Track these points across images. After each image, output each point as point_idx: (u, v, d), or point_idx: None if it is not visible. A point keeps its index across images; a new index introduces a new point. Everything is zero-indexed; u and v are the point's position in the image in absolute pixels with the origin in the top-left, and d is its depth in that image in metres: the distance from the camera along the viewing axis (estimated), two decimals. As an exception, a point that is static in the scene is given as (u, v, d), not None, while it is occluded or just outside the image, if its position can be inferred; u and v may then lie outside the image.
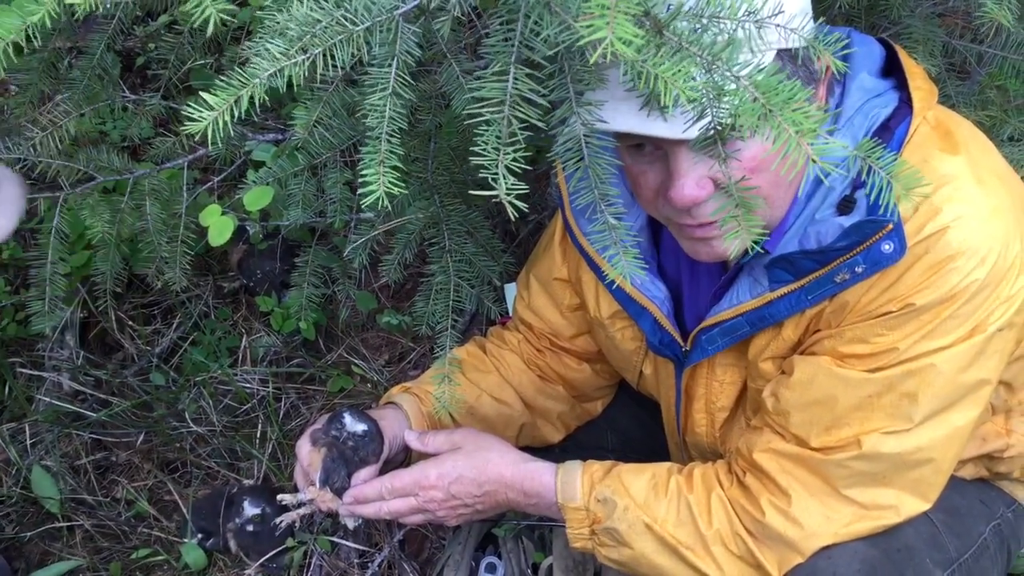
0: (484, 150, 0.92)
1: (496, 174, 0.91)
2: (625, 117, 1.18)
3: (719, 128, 0.91)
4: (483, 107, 0.92)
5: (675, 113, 0.94)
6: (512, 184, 0.91)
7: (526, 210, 0.92)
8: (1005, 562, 1.74)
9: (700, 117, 0.93)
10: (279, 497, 1.72)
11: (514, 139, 0.91)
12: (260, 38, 1.01)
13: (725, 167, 1.04)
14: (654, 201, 1.40)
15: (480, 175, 0.93)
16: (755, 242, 1.02)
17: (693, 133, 1.01)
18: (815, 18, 1.32)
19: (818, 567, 1.47)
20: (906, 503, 1.47)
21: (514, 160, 0.91)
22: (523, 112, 0.92)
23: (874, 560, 1.47)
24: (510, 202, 0.90)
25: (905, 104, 1.42)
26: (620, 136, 1.34)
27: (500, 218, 2.58)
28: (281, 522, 1.74)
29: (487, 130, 0.92)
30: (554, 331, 1.91)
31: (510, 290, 2.29)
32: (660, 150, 1.33)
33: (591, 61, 0.77)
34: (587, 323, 1.86)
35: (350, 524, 1.72)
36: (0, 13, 1.12)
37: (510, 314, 2.12)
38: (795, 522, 1.46)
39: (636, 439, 2.04)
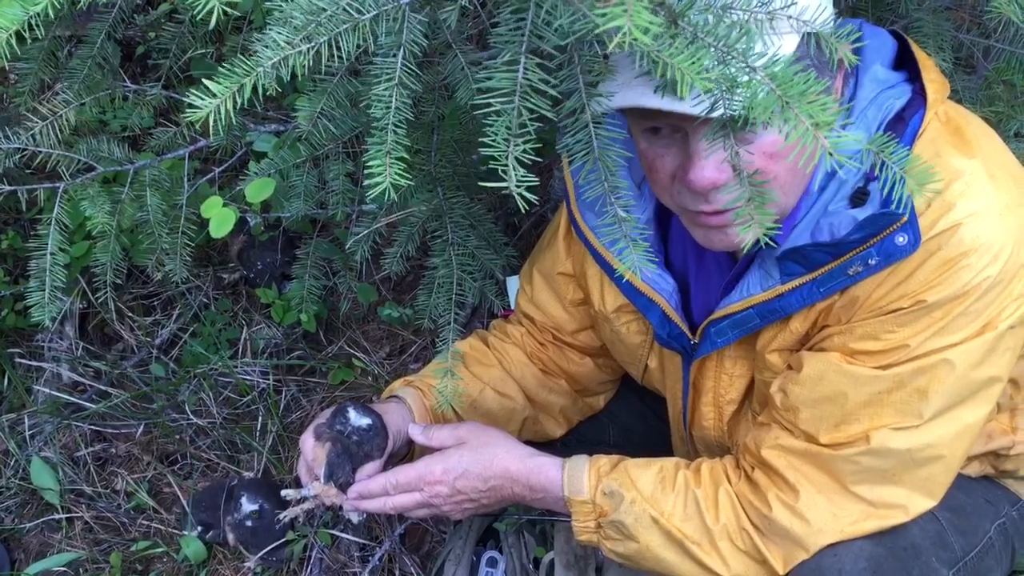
0: (494, 141, 0.91)
1: (506, 166, 0.89)
2: (639, 93, 1.16)
3: (732, 116, 0.89)
4: (493, 97, 0.91)
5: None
6: (522, 176, 0.89)
7: (536, 202, 0.90)
8: (1009, 561, 1.74)
9: (713, 109, 0.92)
10: (283, 492, 1.71)
11: (524, 130, 0.90)
12: (270, 28, 1.00)
13: (737, 154, 1.03)
14: (669, 187, 1.39)
15: (489, 167, 0.92)
16: (767, 235, 1.00)
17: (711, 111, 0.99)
18: (824, 12, 1.30)
19: (824, 564, 1.46)
20: (915, 502, 1.46)
21: (524, 151, 0.90)
22: (533, 103, 0.91)
23: (880, 558, 1.46)
24: (520, 194, 0.88)
25: (918, 95, 1.41)
26: (635, 119, 1.32)
27: (503, 211, 2.57)
28: (284, 517, 1.73)
29: (497, 121, 0.90)
30: (557, 325, 1.90)
31: (512, 283, 2.28)
32: (678, 132, 1.32)
33: (609, 50, 0.76)
34: (590, 318, 1.85)
35: (354, 519, 1.71)
36: (2, 3, 1.11)
37: (512, 308, 2.11)
38: (801, 518, 1.46)
39: (638, 434, 2.04)
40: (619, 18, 0.73)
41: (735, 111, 0.89)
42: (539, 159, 0.94)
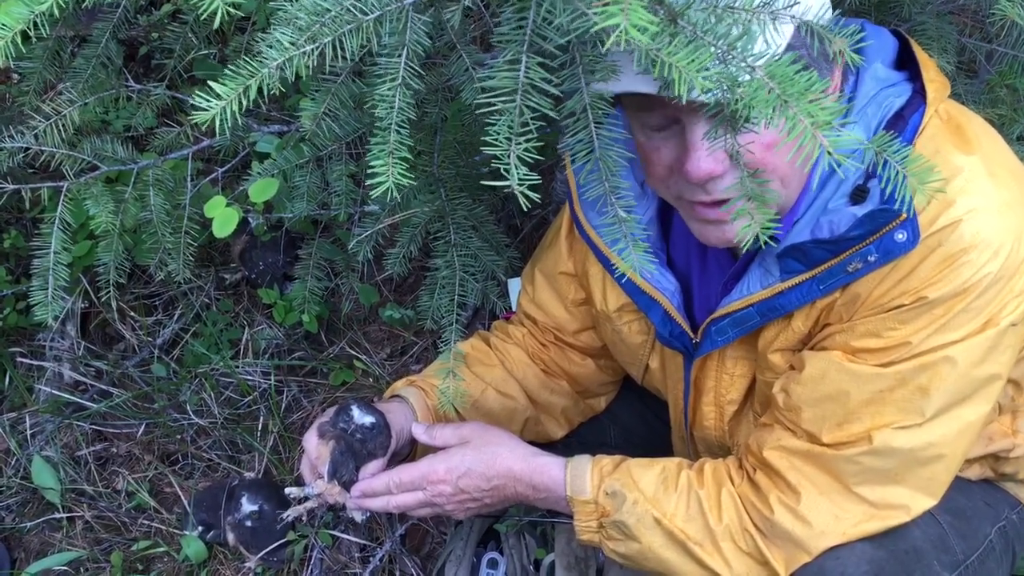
0: (496, 140, 0.91)
1: (508, 164, 0.90)
2: (636, 79, 1.15)
3: (731, 111, 0.89)
4: (495, 96, 0.91)
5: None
6: (524, 174, 0.90)
7: (538, 200, 0.91)
8: (1010, 564, 1.74)
9: (714, 109, 0.92)
10: (286, 491, 1.71)
11: (526, 129, 0.90)
12: (274, 29, 1.00)
13: (738, 152, 1.03)
14: (667, 179, 1.39)
15: (492, 166, 0.92)
16: (768, 235, 1.01)
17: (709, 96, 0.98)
18: (826, 13, 1.31)
19: (826, 567, 1.46)
20: (917, 502, 1.46)
21: (526, 150, 0.90)
22: (535, 101, 0.91)
23: (882, 561, 1.46)
24: (522, 192, 0.89)
25: (918, 94, 1.41)
26: (633, 111, 1.32)
27: (505, 213, 2.58)
28: (287, 516, 1.73)
29: (499, 120, 0.91)
30: (558, 325, 1.91)
31: (514, 285, 2.28)
32: (677, 124, 1.32)
33: (605, 48, 0.76)
34: (592, 318, 1.85)
35: (358, 517, 1.71)
36: (8, 2, 1.11)
37: (514, 309, 2.11)
38: (803, 520, 1.46)
39: (639, 436, 2.04)
40: (616, 16, 0.73)
41: (735, 109, 0.89)
42: (541, 158, 0.94)
